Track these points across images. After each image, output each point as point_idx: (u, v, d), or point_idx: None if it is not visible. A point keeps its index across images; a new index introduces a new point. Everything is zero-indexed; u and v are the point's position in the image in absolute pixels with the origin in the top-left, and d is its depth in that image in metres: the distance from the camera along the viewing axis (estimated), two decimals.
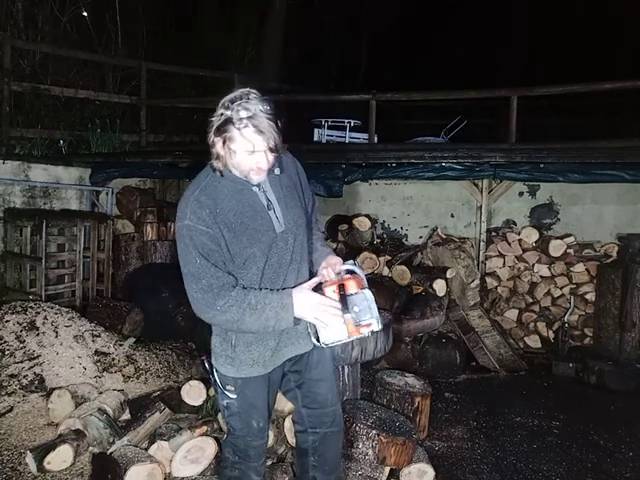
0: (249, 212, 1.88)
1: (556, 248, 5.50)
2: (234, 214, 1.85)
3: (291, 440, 2.90)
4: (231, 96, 1.78)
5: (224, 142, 1.79)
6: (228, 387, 2.02)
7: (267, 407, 2.09)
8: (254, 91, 1.79)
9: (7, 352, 3.51)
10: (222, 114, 1.76)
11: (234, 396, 2.02)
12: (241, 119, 1.73)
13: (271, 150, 1.79)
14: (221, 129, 1.77)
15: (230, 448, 2.14)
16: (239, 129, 1.74)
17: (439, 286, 5.15)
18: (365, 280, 1.97)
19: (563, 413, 4.04)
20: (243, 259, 1.88)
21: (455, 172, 5.39)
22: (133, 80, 8.00)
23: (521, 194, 5.86)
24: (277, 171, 1.97)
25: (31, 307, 3.90)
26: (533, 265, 5.59)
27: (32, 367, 3.48)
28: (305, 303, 1.83)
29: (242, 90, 1.79)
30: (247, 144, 1.76)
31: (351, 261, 2.06)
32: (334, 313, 1.82)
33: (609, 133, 7.55)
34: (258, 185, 1.91)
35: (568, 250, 5.49)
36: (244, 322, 1.80)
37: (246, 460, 2.10)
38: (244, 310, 1.78)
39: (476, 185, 5.76)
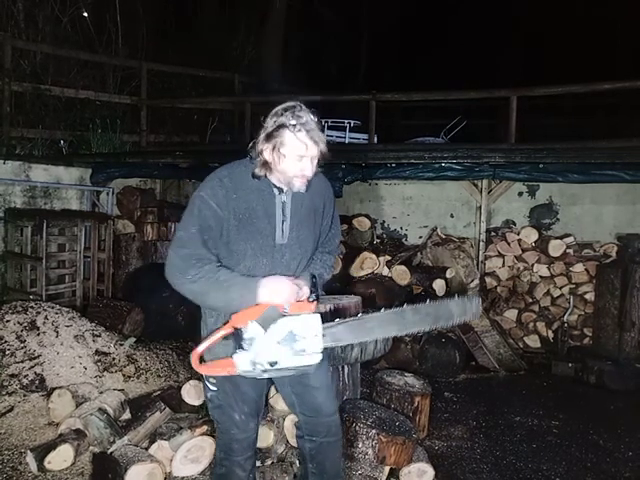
0: (260, 211, 1.95)
1: (555, 248, 5.51)
2: (246, 206, 1.93)
3: (291, 440, 2.91)
4: (283, 106, 1.89)
5: (274, 147, 1.88)
6: (210, 379, 2.05)
7: (252, 401, 2.09)
8: (302, 104, 1.91)
9: (8, 352, 3.51)
10: (275, 121, 1.87)
11: (215, 388, 2.05)
12: (295, 125, 1.84)
13: (317, 157, 1.90)
14: (273, 134, 1.87)
15: (217, 445, 2.17)
16: (293, 132, 1.84)
17: (439, 286, 5.16)
18: (285, 311, 1.84)
19: (562, 413, 4.04)
20: (235, 251, 1.94)
21: (455, 172, 5.40)
22: (133, 80, 8.01)
23: (520, 194, 5.87)
24: (303, 189, 1.99)
25: (32, 307, 3.90)
26: (532, 265, 5.60)
27: (33, 367, 3.49)
28: (271, 288, 1.84)
29: (291, 102, 1.90)
30: (300, 147, 1.86)
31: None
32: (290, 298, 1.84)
33: (608, 133, 7.55)
34: (281, 190, 1.95)
35: (567, 250, 5.50)
36: (209, 296, 1.86)
37: (230, 455, 2.11)
38: (211, 285, 1.84)
39: (475, 185, 5.77)
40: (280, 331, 1.77)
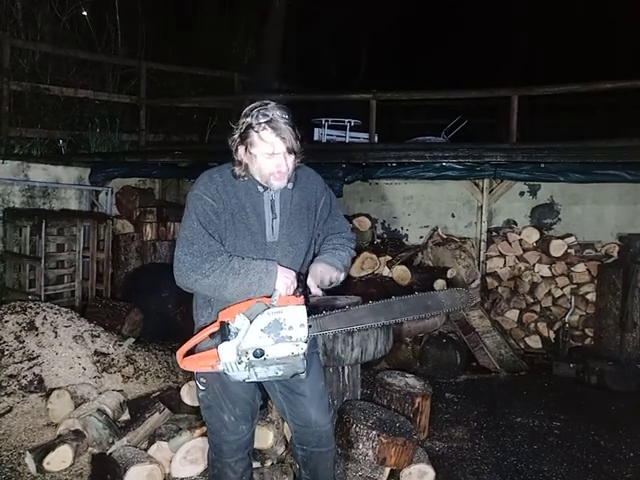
0: (249, 208, 1.95)
1: (557, 248, 5.49)
2: (237, 202, 1.94)
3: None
4: (251, 105, 1.90)
5: (246, 148, 1.89)
6: (201, 379, 2.03)
7: (244, 403, 2.06)
8: (272, 102, 1.91)
9: (6, 352, 3.50)
10: (244, 122, 1.88)
11: (203, 388, 2.04)
12: (260, 123, 1.84)
13: (289, 152, 1.87)
14: (243, 136, 1.88)
15: (209, 446, 2.16)
16: (258, 132, 1.84)
17: (439, 286, 5.13)
18: (273, 304, 1.82)
19: (564, 413, 4.03)
20: (228, 246, 1.93)
21: (456, 172, 5.38)
22: (133, 80, 8.00)
23: (522, 194, 5.85)
24: (289, 185, 1.99)
25: (30, 307, 3.89)
26: (534, 265, 5.58)
27: (31, 367, 3.47)
28: (285, 277, 1.86)
29: (260, 102, 1.91)
30: (266, 146, 1.85)
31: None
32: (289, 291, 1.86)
33: (609, 133, 7.53)
34: (267, 188, 1.94)
35: (569, 250, 5.49)
36: (227, 287, 1.83)
37: (220, 457, 2.10)
38: (227, 274, 1.82)
39: (477, 185, 5.75)
40: (265, 320, 1.77)
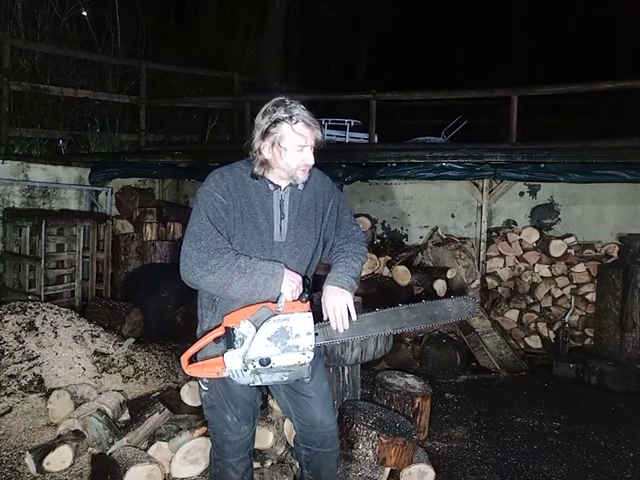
0: (258, 207, 1.94)
1: (557, 248, 5.49)
2: (246, 201, 1.93)
3: (291, 442, 2.89)
4: (271, 102, 1.91)
5: (273, 143, 1.88)
6: (204, 379, 2.03)
7: (245, 404, 2.06)
8: (286, 98, 1.91)
9: (6, 352, 3.50)
10: (270, 117, 1.87)
11: (206, 389, 2.04)
12: (291, 116, 1.86)
13: (316, 144, 1.91)
14: (270, 131, 1.87)
15: (211, 446, 2.16)
16: (291, 125, 1.85)
17: (440, 286, 5.14)
18: (279, 310, 1.80)
19: (564, 414, 4.03)
20: (235, 245, 1.92)
21: (455, 172, 5.38)
22: (132, 80, 7.99)
23: (522, 194, 5.86)
24: (300, 186, 1.99)
25: (30, 307, 3.89)
26: (534, 265, 5.59)
27: (31, 367, 3.47)
28: (291, 281, 1.85)
29: (277, 98, 1.92)
30: (299, 138, 1.87)
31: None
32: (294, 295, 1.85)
33: (609, 133, 7.53)
34: (278, 187, 1.95)
35: (569, 250, 5.49)
36: (231, 285, 1.81)
37: (222, 456, 2.10)
38: (233, 273, 1.81)
39: (477, 185, 5.75)
40: (272, 328, 1.75)
